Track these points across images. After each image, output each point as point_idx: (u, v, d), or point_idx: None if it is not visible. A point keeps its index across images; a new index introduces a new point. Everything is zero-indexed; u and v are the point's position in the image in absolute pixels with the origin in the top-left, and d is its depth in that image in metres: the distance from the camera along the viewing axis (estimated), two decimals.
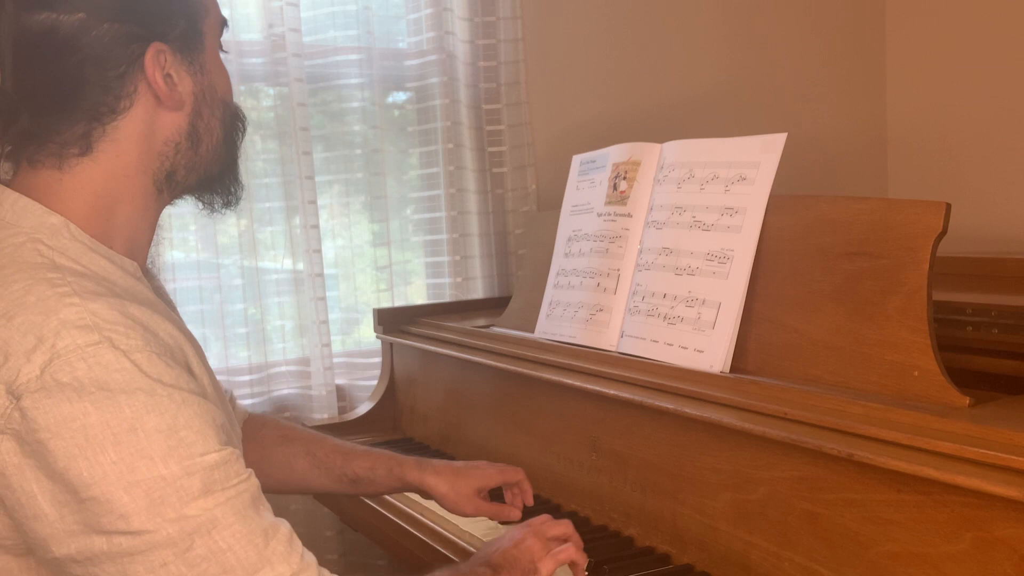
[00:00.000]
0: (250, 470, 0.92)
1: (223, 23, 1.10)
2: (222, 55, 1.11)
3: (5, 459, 0.84)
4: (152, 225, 1.06)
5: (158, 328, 0.92)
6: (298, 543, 0.92)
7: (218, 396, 1.04)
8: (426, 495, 1.40)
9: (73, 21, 0.94)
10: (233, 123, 1.11)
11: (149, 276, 1.08)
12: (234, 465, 0.90)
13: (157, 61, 0.98)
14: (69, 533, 0.84)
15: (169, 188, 1.05)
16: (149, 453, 0.84)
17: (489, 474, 1.41)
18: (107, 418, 0.83)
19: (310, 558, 0.92)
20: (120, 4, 0.96)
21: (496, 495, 1.45)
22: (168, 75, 1.00)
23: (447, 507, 1.39)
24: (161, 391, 0.86)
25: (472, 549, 1.42)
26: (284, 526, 0.92)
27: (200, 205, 1.12)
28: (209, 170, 1.08)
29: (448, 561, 1.40)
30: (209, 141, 1.06)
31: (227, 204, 1.13)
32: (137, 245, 1.03)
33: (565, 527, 1.24)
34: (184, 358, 0.95)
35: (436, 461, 1.42)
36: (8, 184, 0.99)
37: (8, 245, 0.92)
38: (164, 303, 1.07)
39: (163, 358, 0.89)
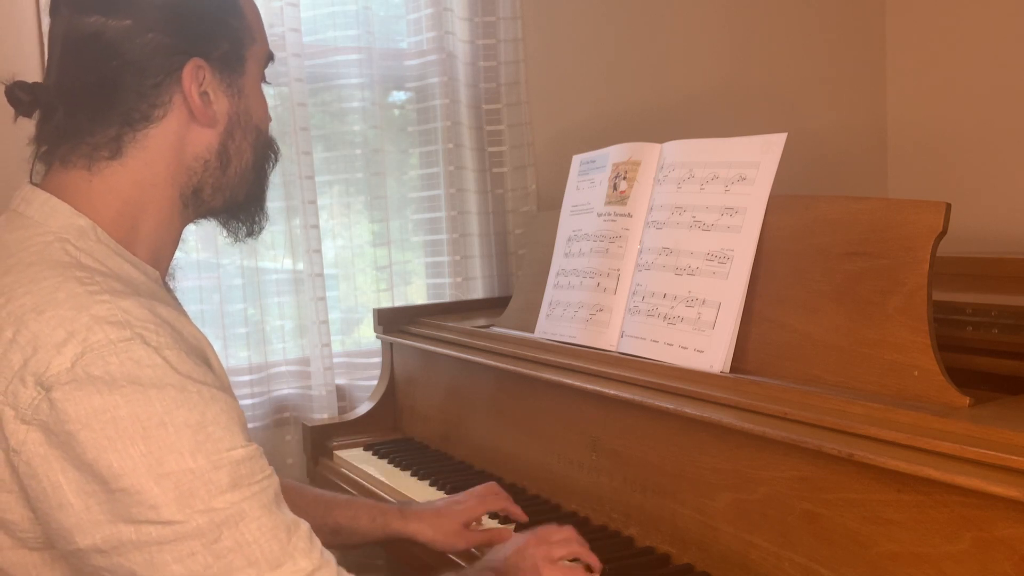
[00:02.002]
0: (272, 467, 0.94)
1: (269, 56, 1.12)
2: (265, 87, 1.12)
3: (31, 449, 0.85)
4: (175, 239, 1.08)
5: (183, 328, 0.94)
6: (318, 541, 0.94)
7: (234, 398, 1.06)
8: (413, 543, 1.40)
9: (120, 27, 0.97)
10: (265, 152, 1.12)
11: (166, 288, 1.09)
12: (259, 461, 0.91)
13: (195, 76, 1.01)
14: (95, 523, 0.85)
15: (195, 205, 1.06)
16: (178, 447, 0.85)
17: (471, 506, 1.41)
18: (137, 411, 0.85)
19: (329, 556, 0.94)
20: (167, 17, 0.99)
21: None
22: (205, 92, 1.02)
23: (438, 548, 1.38)
24: (191, 387, 0.88)
25: (473, 551, 1.42)
26: (304, 524, 0.94)
27: (225, 232, 1.14)
28: (236, 194, 1.09)
29: (447, 561, 1.40)
30: (238, 163, 1.07)
31: (251, 233, 1.15)
32: (160, 256, 1.05)
33: (568, 532, 1.25)
34: (205, 358, 0.97)
35: (417, 506, 1.42)
36: (39, 183, 1.00)
37: (36, 243, 0.94)
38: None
39: (190, 356, 0.91)
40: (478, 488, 1.45)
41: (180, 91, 1.00)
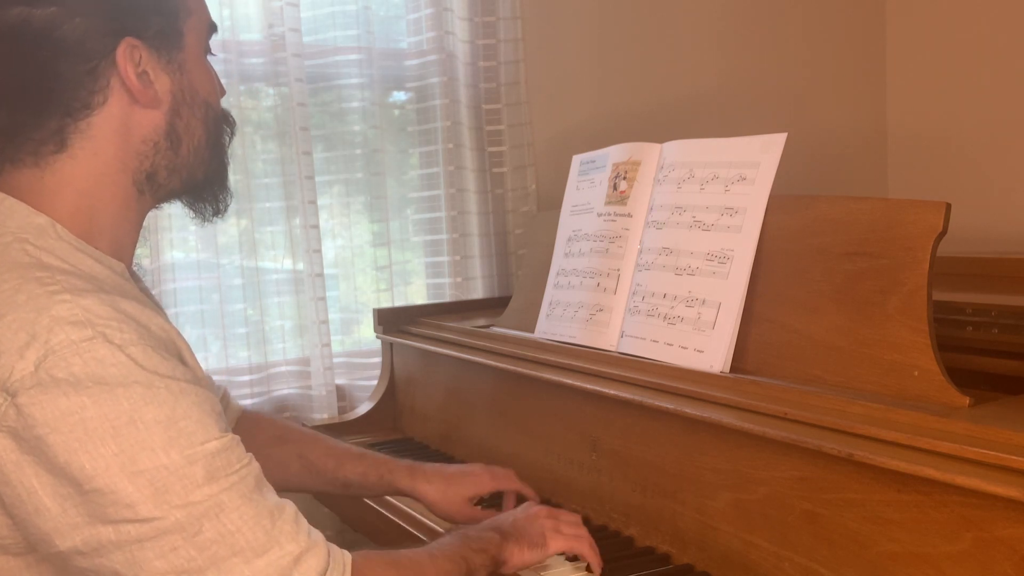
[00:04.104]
0: (250, 454, 0.93)
1: (211, 26, 1.09)
2: (213, 58, 1.10)
3: (2, 457, 0.84)
4: (136, 227, 1.05)
5: (149, 322, 0.92)
6: (304, 522, 0.93)
7: (211, 388, 1.05)
8: (417, 501, 1.40)
9: (46, 15, 0.94)
10: (218, 126, 1.09)
11: (135, 278, 1.08)
12: (235, 451, 0.91)
13: (130, 56, 0.98)
14: (73, 526, 0.84)
15: (151, 189, 1.04)
16: (150, 444, 0.85)
17: (483, 481, 1.41)
18: (105, 411, 0.84)
19: (317, 535, 0.93)
20: None
21: (494, 496, 1.46)
22: (143, 72, 0.99)
23: (437, 513, 1.39)
24: (158, 383, 0.87)
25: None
26: (289, 506, 0.93)
27: (192, 214, 1.12)
28: (193, 173, 1.07)
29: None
30: (190, 142, 1.05)
31: (217, 212, 1.12)
32: (121, 246, 1.03)
33: (577, 519, 1.26)
34: (177, 350, 0.95)
35: (428, 466, 1.41)
36: None
37: None
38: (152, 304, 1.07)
39: (158, 351, 0.89)
40: (494, 467, 1.44)
41: (117, 74, 0.97)
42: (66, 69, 0.96)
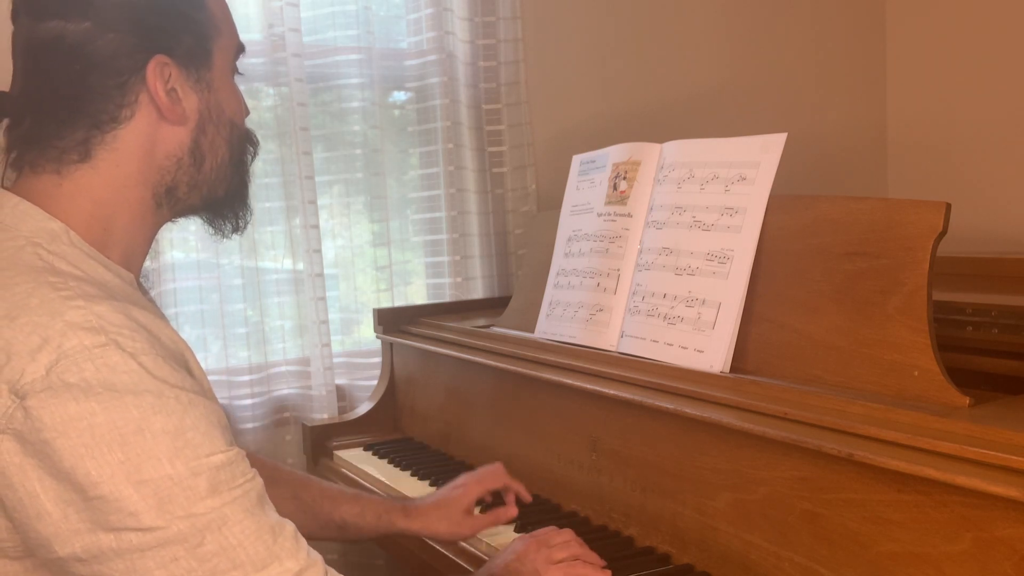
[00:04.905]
0: (255, 469, 0.93)
1: (239, 47, 1.10)
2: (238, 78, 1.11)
3: (6, 459, 0.84)
4: (149, 239, 1.06)
5: (160, 332, 0.92)
6: (303, 541, 0.94)
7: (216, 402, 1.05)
8: (422, 537, 1.41)
9: (80, 30, 0.96)
10: (242, 145, 1.10)
11: (142, 289, 1.08)
12: (240, 465, 0.90)
13: (160, 73, 0.99)
14: (74, 532, 0.84)
15: (169, 204, 1.05)
16: (156, 454, 0.84)
17: (470, 489, 1.42)
18: (114, 418, 0.84)
19: (316, 555, 0.93)
20: (126, 16, 0.97)
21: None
22: (172, 89, 1.00)
23: (446, 539, 1.40)
24: (168, 393, 0.87)
25: (472, 549, 1.42)
26: (289, 525, 0.93)
27: (211, 230, 1.13)
28: (213, 190, 1.08)
29: (447, 561, 1.40)
30: (213, 160, 1.06)
31: (236, 229, 1.13)
32: (133, 257, 1.03)
33: (567, 535, 1.24)
34: (184, 361, 0.95)
35: (419, 501, 1.43)
36: (10, 189, 0.99)
37: (7, 248, 0.93)
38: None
39: (168, 361, 0.89)
40: (477, 470, 1.46)
41: (146, 90, 0.99)
42: (97, 83, 0.97)
